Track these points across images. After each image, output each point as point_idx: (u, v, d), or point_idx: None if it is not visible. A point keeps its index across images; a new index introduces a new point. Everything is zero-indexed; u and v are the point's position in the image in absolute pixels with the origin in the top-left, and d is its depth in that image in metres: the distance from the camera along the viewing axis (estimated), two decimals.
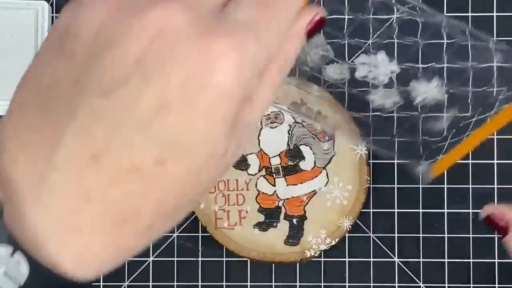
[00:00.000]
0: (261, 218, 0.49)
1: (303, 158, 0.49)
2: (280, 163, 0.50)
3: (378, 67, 0.42)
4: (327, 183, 0.49)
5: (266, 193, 0.50)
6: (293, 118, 0.48)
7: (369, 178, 0.49)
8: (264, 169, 0.50)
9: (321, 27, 0.31)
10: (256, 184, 0.50)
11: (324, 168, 0.49)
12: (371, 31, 0.45)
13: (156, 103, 0.27)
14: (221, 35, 0.26)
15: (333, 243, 0.49)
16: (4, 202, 0.26)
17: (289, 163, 0.50)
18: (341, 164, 0.49)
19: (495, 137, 0.51)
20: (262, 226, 0.49)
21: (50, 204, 0.27)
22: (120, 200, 0.28)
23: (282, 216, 0.49)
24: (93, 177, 0.27)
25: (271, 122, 0.49)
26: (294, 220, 0.49)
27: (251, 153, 0.50)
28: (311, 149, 0.49)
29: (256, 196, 0.50)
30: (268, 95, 0.29)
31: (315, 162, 0.49)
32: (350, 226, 0.49)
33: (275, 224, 0.49)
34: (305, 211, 0.49)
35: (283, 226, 0.49)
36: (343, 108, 0.48)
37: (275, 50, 0.28)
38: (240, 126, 0.29)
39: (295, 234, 0.49)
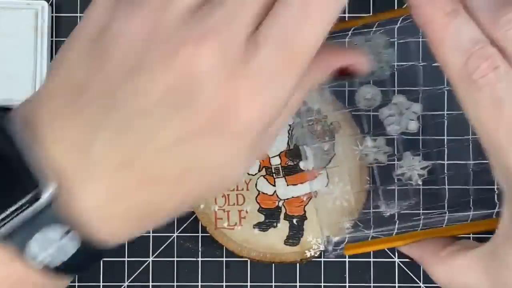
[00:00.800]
0: (261, 218, 0.49)
1: (303, 158, 0.49)
2: (280, 163, 0.50)
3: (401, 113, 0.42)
4: (327, 183, 0.49)
5: (266, 193, 0.50)
6: (293, 118, 0.48)
7: (369, 179, 0.49)
8: (264, 169, 0.50)
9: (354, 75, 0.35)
10: (256, 184, 0.50)
11: (324, 168, 0.49)
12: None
13: (181, 132, 0.30)
14: (246, 79, 0.29)
15: None
16: (58, 187, 0.30)
17: (289, 163, 0.50)
18: (341, 164, 0.49)
19: None
20: (262, 226, 0.49)
21: (90, 194, 0.30)
22: (143, 202, 0.31)
23: (282, 216, 0.49)
24: (120, 182, 0.30)
25: None
26: (294, 220, 0.49)
27: None
28: (311, 149, 0.49)
29: (256, 196, 0.50)
30: (284, 120, 0.33)
31: (315, 163, 0.49)
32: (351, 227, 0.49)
33: (275, 224, 0.49)
34: (305, 211, 0.49)
35: (283, 226, 0.49)
36: (343, 107, 0.48)
37: (291, 93, 0.31)
38: (255, 152, 0.32)
39: (295, 234, 0.49)
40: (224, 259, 0.51)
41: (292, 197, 0.50)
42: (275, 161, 0.50)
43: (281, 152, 0.50)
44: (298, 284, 0.51)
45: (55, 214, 0.30)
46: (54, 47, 0.51)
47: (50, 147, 0.30)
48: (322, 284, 0.51)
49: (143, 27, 0.29)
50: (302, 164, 0.49)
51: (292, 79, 0.30)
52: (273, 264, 0.51)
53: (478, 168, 0.44)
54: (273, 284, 0.51)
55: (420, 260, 0.43)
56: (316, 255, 0.49)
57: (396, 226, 0.43)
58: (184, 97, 0.29)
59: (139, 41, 0.29)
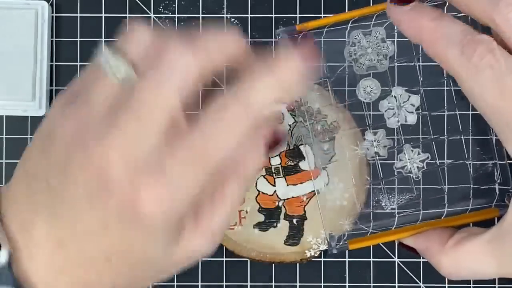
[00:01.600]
0: (261, 218, 0.49)
1: (303, 158, 0.49)
2: (280, 163, 0.50)
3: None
4: (327, 183, 0.49)
5: (266, 193, 0.50)
6: (293, 118, 0.49)
7: (369, 178, 0.49)
8: (264, 169, 0.50)
9: (279, 145, 0.37)
10: (256, 184, 0.50)
11: (324, 168, 0.49)
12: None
13: (98, 223, 0.34)
14: (147, 176, 0.32)
15: None
16: (12, 254, 0.34)
17: (289, 163, 0.50)
18: (341, 164, 0.49)
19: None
20: (262, 226, 0.49)
21: (35, 267, 0.35)
22: (81, 278, 0.35)
23: (282, 216, 0.49)
24: (58, 260, 0.35)
25: None
26: (294, 220, 0.49)
27: None
28: (311, 149, 0.49)
29: (256, 196, 0.50)
30: (223, 211, 0.36)
31: (315, 163, 0.49)
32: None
33: (275, 224, 0.49)
34: (305, 211, 0.49)
35: (283, 226, 0.49)
36: (343, 107, 0.48)
37: (196, 188, 0.34)
38: (183, 248, 0.35)
39: (295, 234, 0.49)
40: (224, 259, 0.51)
41: (292, 197, 0.50)
42: (275, 161, 0.50)
43: (281, 152, 0.50)
44: (298, 284, 0.51)
45: (6, 276, 0.34)
46: (54, 47, 0.51)
47: (8, 224, 0.35)
48: (322, 284, 0.51)
49: (73, 128, 0.34)
50: (302, 164, 0.49)
51: (195, 179, 0.33)
52: (273, 264, 0.51)
53: (476, 160, 0.45)
54: (273, 284, 0.51)
55: (426, 251, 0.43)
56: (316, 255, 0.49)
57: (396, 219, 0.44)
58: (97, 192, 0.33)
59: (70, 142, 0.34)
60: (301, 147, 0.49)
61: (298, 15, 0.51)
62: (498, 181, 0.44)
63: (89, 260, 0.34)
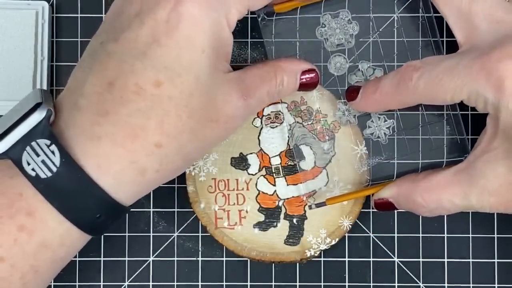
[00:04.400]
0: (261, 218, 0.49)
1: (303, 158, 0.49)
2: (280, 163, 0.50)
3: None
4: (327, 182, 0.49)
5: (266, 193, 0.50)
6: (293, 117, 0.49)
7: (369, 178, 0.49)
8: (264, 169, 0.50)
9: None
10: (256, 184, 0.50)
11: (324, 168, 0.49)
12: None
13: (149, 38, 0.38)
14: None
15: (333, 242, 0.49)
16: (53, 112, 0.38)
17: (289, 163, 0.50)
18: (341, 163, 0.49)
19: None
20: (262, 226, 0.49)
21: (78, 119, 0.38)
22: (129, 115, 0.37)
23: (282, 215, 0.49)
24: (109, 98, 0.38)
25: (271, 122, 0.49)
26: (294, 220, 0.49)
27: (251, 153, 0.50)
28: (311, 149, 0.49)
29: (256, 196, 0.50)
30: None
31: (315, 162, 0.49)
32: (350, 226, 0.49)
33: (275, 224, 0.49)
34: (305, 211, 0.49)
35: (283, 226, 0.49)
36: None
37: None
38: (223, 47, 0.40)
39: (295, 234, 0.49)
40: (224, 259, 0.51)
41: (292, 196, 0.50)
42: (275, 161, 0.50)
43: (281, 152, 0.50)
44: (298, 284, 0.51)
45: (44, 130, 0.37)
46: (54, 47, 0.51)
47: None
48: (322, 284, 0.51)
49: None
50: (302, 164, 0.49)
51: None
52: (273, 264, 0.51)
53: (437, 128, 0.48)
54: (273, 284, 0.51)
55: (399, 194, 0.46)
56: (316, 254, 0.49)
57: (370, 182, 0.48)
58: (148, 10, 0.38)
59: None
60: (301, 147, 0.49)
61: (298, 16, 0.51)
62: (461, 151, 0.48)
63: (137, 92, 0.38)
